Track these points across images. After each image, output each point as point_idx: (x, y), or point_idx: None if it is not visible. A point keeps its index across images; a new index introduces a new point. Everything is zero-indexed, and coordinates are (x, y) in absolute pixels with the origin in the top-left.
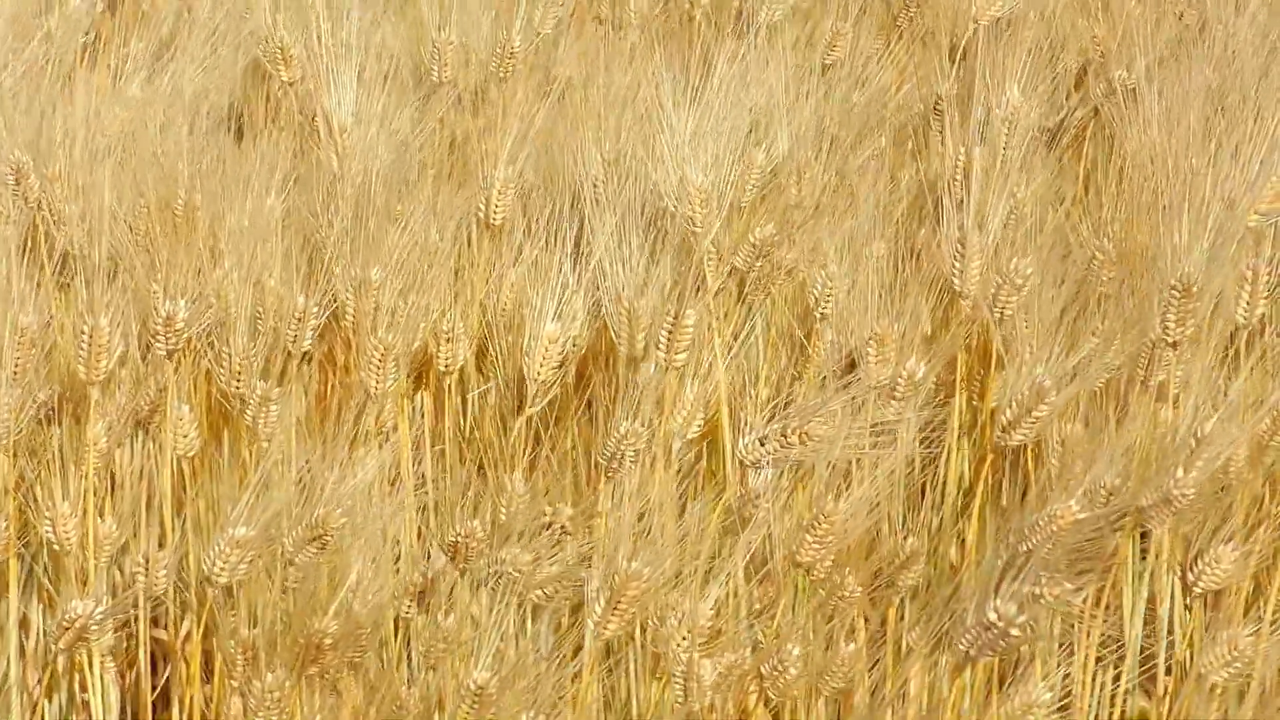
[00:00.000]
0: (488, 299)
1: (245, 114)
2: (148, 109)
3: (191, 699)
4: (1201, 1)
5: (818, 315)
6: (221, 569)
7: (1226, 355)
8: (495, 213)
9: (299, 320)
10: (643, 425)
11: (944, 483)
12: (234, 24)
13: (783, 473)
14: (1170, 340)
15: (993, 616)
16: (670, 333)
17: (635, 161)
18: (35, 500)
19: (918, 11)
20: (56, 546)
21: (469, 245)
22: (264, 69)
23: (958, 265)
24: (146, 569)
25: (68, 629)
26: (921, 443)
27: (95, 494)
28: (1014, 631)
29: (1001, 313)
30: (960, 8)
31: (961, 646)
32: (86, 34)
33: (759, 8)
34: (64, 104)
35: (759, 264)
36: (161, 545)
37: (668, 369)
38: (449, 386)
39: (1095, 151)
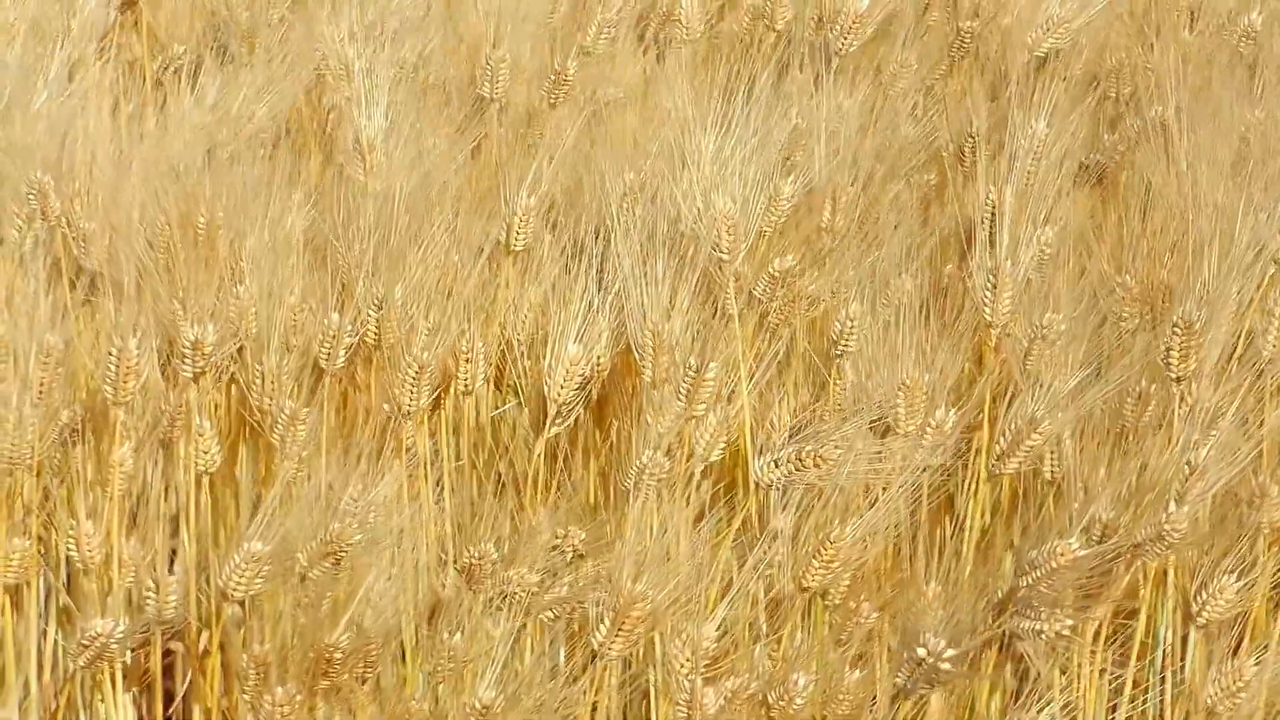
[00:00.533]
0: (509, 319)
1: (295, 132)
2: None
3: (210, 712)
4: (1257, 32)
5: (838, 352)
6: (237, 584)
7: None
8: (516, 240)
9: (333, 338)
10: (665, 456)
11: (963, 522)
12: (289, 37)
13: (800, 498)
14: (1174, 376)
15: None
16: (691, 385)
17: (664, 185)
18: (57, 519)
19: (974, 43)
20: (80, 565)
21: (489, 266)
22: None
23: (988, 296)
24: (157, 591)
25: (88, 647)
26: (938, 470)
27: (119, 513)
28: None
29: (1036, 364)
30: (1016, 37)
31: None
32: (103, 39)
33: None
34: (85, 117)
35: (779, 293)
36: (172, 566)
37: (687, 419)
38: (468, 406)
39: (1129, 186)
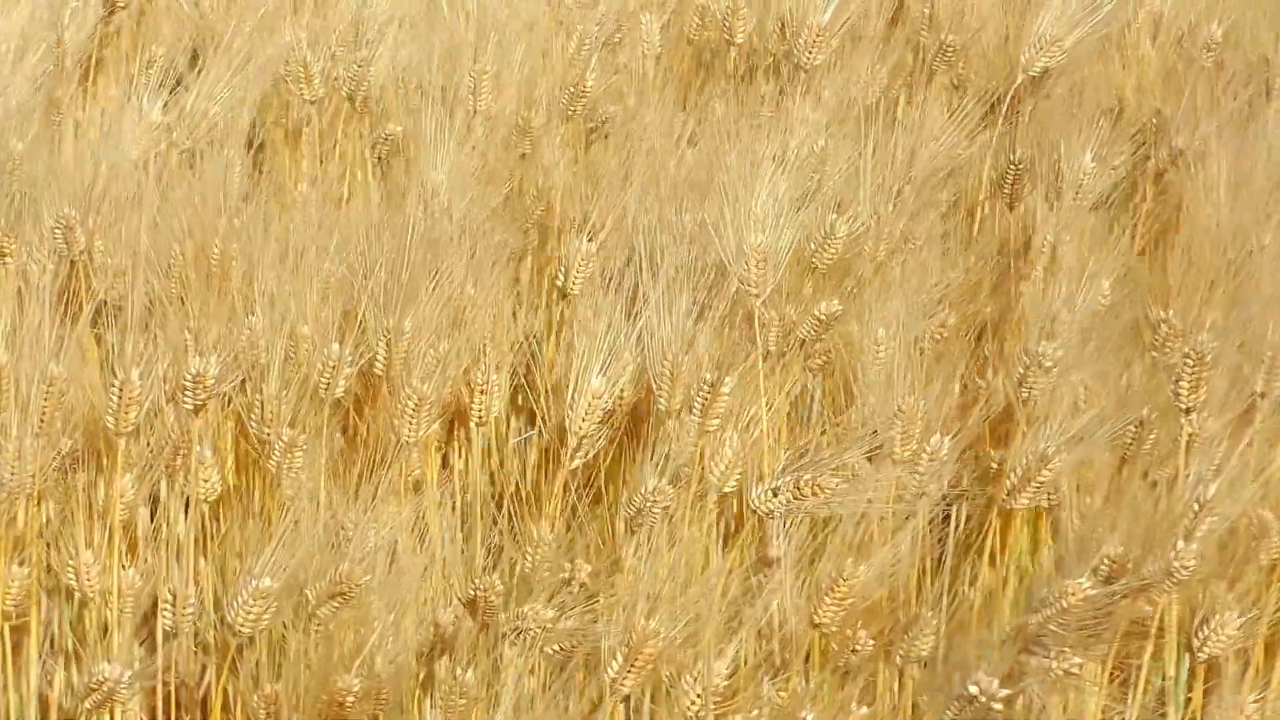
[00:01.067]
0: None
1: (265, 137)
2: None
3: None
4: (1219, 46)
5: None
6: (244, 620)
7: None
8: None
9: (332, 368)
10: (670, 484)
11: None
12: (257, 43)
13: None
14: (1184, 407)
15: (974, 690)
16: (707, 399)
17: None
18: (58, 548)
19: (955, 56)
20: (79, 595)
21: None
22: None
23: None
24: (174, 606)
25: (95, 690)
26: (946, 500)
27: (120, 543)
28: (996, 705)
29: (1029, 392)
30: (1006, 57)
31: (948, 718)
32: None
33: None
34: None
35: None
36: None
37: (701, 433)
38: (483, 438)
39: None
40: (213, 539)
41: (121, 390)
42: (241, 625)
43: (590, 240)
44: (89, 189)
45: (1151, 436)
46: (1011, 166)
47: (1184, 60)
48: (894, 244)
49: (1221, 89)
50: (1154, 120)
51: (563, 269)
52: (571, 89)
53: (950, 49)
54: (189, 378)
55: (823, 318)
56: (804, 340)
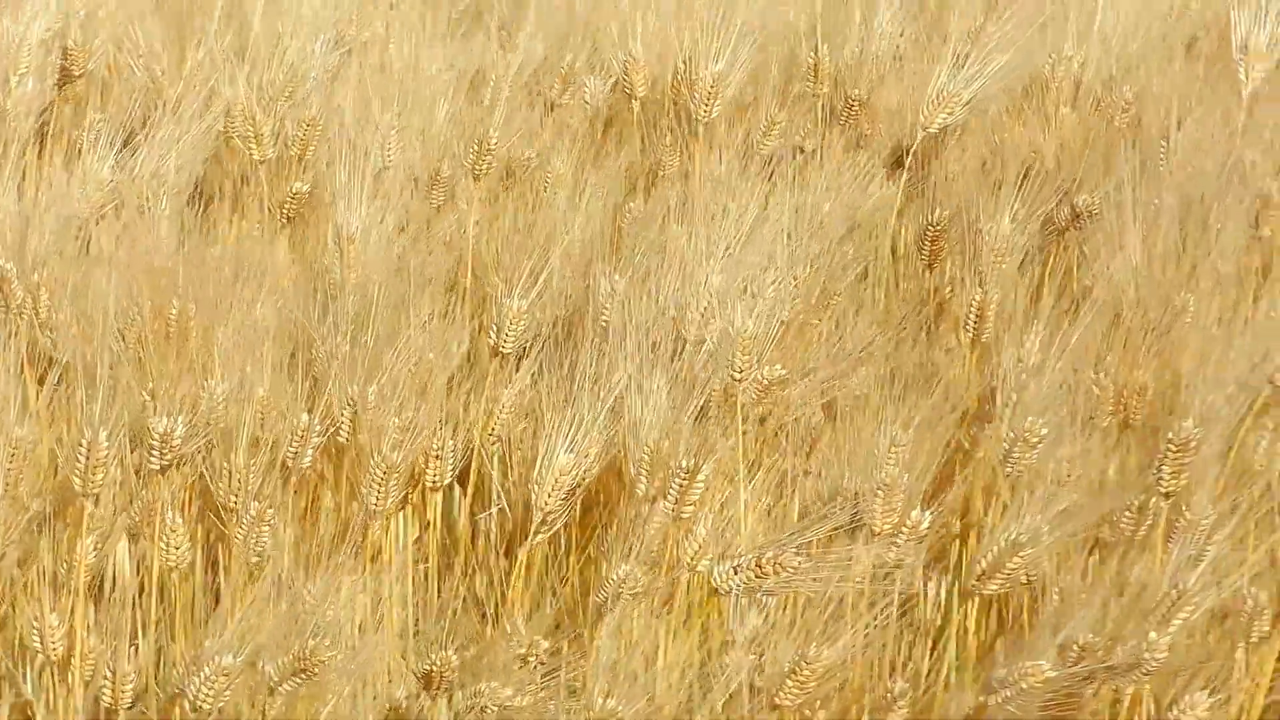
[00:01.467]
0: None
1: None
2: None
3: None
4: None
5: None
6: (206, 695)
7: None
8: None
9: (301, 438)
10: (641, 569)
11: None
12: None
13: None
14: (1164, 491)
15: None
16: (682, 486)
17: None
18: (19, 609)
19: (860, 110)
20: (43, 657)
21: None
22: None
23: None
24: (113, 684)
25: None
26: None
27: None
28: None
29: (1014, 467)
30: (908, 113)
31: None
32: (42, 113)
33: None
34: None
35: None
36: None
37: (675, 519)
38: (436, 505)
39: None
40: (161, 604)
41: (89, 451)
42: (203, 702)
43: (522, 299)
44: (22, 243)
45: (1148, 523)
46: (930, 227)
47: (1100, 120)
48: (815, 302)
49: (1128, 147)
50: (1072, 180)
51: (494, 327)
52: (478, 146)
53: (856, 102)
54: (155, 438)
55: (766, 381)
56: (745, 404)
